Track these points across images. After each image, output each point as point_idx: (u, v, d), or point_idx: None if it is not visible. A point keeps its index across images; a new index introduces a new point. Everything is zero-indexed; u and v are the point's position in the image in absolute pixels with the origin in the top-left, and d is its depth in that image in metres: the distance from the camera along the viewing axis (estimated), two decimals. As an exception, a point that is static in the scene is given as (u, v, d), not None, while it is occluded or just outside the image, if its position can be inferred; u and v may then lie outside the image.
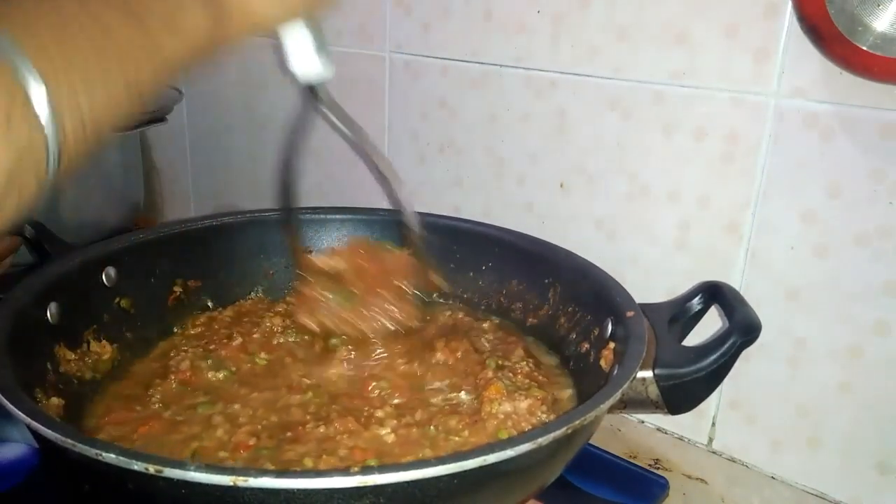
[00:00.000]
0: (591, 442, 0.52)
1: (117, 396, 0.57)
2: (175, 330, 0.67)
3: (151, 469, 0.35)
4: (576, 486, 0.58)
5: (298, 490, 0.35)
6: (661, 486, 0.60)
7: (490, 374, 0.57)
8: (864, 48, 0.48)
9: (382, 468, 0.36)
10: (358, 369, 0.60)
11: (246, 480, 0.35)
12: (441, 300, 0.74)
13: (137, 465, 0.35)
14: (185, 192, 1.15)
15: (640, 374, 0.49)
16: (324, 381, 0.59)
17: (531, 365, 0.60)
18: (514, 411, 0.53)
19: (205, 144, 1.10)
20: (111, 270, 0.62)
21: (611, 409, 0.45)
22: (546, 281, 0.66)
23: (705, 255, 0.64)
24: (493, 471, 0.38)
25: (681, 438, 0.68)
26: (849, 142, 0.54)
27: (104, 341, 0.60)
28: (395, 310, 0.62)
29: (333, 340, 0.63)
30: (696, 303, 0.58)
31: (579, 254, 0.64)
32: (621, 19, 0.64)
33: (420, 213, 0.66)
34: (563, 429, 0.40)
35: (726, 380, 0.50)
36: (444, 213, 0.75)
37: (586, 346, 0.59)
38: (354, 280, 0.64)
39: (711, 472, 0.64)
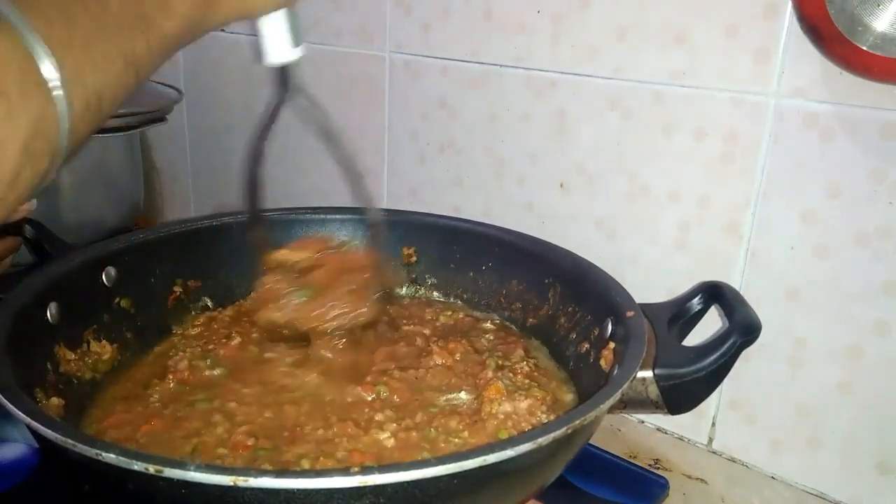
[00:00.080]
0: (591, 442, 0.52)
1: (117, 397, 0.57)
2: (175, 330, 0.67)
3: (151, 469, 0.35)
4: (576, 486, 0.58)
5: (298, 490, 0.35)
6: (661, 486, 0.60)
7: (490, 374, 0.58)
8: (864, 48, 0.48)
9: (382, 468, 0.36)
10: (337, 373, 0.59)
11: (246, 480, 0.35)
12: (441, 300, 0.74)
13: (137, 465, 0.35)
14: (185, 192, 1.15)
15: (640, 374, 0.49)
16: (305, 385, 0.58)
17: (531, 365, 0.60)
18: (514, 411, 0.53)
19: (205, 144, 1.10)
20: (111, 270, 0.62)
21: (611, 409, 0.45)
22: (546, 281, 0.66)
23: (705, 255, 0.64)
24: (493, 471, 0.37)
25: (681, 438, 0.68)
26: (849, 142, 0.55)
27: (104, 341, 0.60)
28: (353, 305, 0.60)
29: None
30: (696, 303, 0.58)
31: (579, 254, 0.64)
32: (621, 19, 0.64)
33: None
34: (563, 429, 0.40)
35: (726, 380, 0.50)
36: (444, 213, 0.75)
37: (586, 346, 0.59)
38: (315, 275, 0.63)
39: (711, 472, 0.64)
